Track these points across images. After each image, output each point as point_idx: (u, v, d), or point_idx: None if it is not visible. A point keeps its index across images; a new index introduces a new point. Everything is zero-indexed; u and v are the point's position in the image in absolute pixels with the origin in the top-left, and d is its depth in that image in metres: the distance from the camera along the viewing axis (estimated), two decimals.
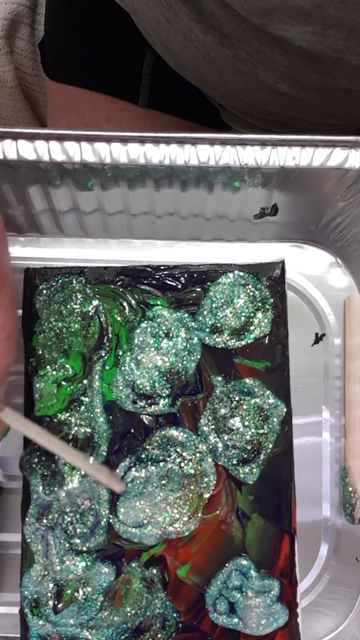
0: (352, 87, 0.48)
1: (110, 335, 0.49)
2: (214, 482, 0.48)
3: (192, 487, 0.47)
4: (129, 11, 0.58)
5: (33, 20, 0.72)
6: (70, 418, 0.48)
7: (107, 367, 0.49)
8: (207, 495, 0.47)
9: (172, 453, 0.48)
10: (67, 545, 0.47)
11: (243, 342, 0.49)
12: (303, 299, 0.54)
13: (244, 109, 0.57)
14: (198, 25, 0.48)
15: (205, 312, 0.49)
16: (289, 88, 0.49)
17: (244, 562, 0.47)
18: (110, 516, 0.47)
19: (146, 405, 0.48)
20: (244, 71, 0.49)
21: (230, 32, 0.46)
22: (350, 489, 0.50)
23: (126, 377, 0.48)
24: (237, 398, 0.48)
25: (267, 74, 0.48)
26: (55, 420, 0.48)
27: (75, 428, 0.48)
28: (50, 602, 0.46)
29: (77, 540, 0.47)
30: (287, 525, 0.47)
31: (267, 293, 0.50)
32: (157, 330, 0.49)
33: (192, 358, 0.49)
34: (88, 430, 0.48)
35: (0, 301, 0.38)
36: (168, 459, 0.48)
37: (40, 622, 0.46)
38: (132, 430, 0.48)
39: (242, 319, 0.49)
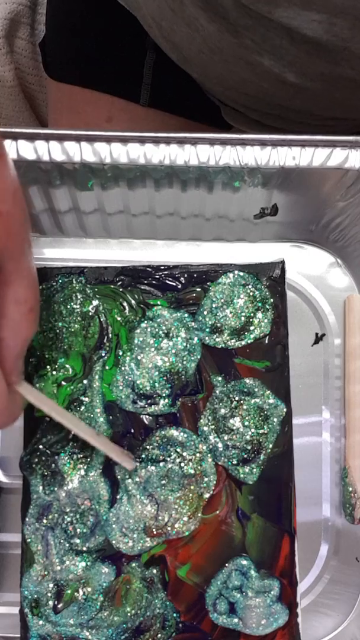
0: (357, 77, 0.48)
1: (110, 335, 0.49)
2: (214, 482, 0.48)
3: (192, 487, 0.47)
4: (130, 7, 0.58)
5: (33, 20, 0.72)
6: None
7: (107, 367, 0.49)
8: (207, 495, 0.48)
9: (172, 453, 0.48)
10: (67, 545, 0.47)
11: (243, 342, 0.49)
12: (303, 299, 0.53)
13: (248, 103, 0.57)
14: (204, 14, 0.48)
15: (205, 312, 0.49)
16: (295, 78, 0.49)
17: (244, 562, 0.47)
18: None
19: (146, 405, 0.48)
20: (250, 60, 0.49)
21: (236, 19, 0.46)
22: (350, 489, 0.50)
23: (126, 377, 0.48)
24: (237, 398, 0.48)
25: (273, 63, 0.48)
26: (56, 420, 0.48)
27: None
28: (50, 602, 0.46)
29: (77, 540, 0.47)
30: (287, 525, 0.47)
31: (267, 293, 0.50)
32: (157, 330, 0.49)
33: (192, 358, 0.49)
34: None
35: (24, 272, 0.38)
36: (168, 459, 0.48)
37: (40, 622, 0.46)
38: (132, 430, 0.48)
39: (242, 319, 0.49)
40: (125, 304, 0.50)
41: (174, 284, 0.50)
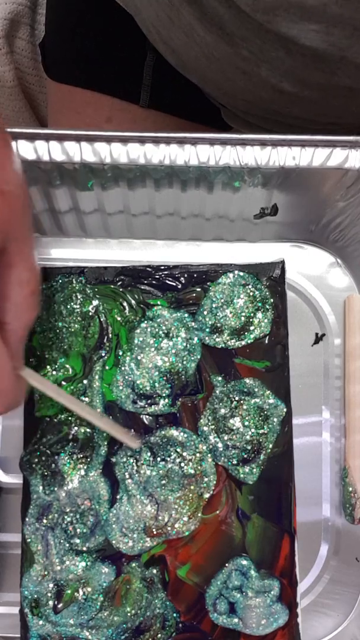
0: (355, 85, 0.48)
1: (110, 335, 0.49)
2: (214, 482, 0.48)
3: (192, 487, 0.47)
4: (130, 11, 0.58)
5: (33, 20, 0.72)
6: (70, 418, 0.48)
7: (107, 367, 0.49)
8: (207, 495, 0.47)
9: (172, 453, 0.48)
10: (67, 545, 0.47)
11: (243, 342, 0.49)
12: (303, 299, 0.53)
13: (246, 108, 0.57)
14: (200, 24, 0.48)
15: (205, 312, 0.49)
16: (292, 87, 0.49)
17: (244, 562, 0.47)
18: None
19: (146, 405, 0.48)
20: (247, 70, 0.49)
21: (233, 30, 0.46)
22: (350, 489, 0.50)
23: (126, 377, 0.48)
24: (237, 398, 0.48)
25: (269, 73, 0.48)
26: (56, 420, 0.48)
27: (75, 428, 0.48)
28: (50, 602, 0.46)
29: (77, 540, 0.47)
30: (287, 525, 0.47)
31: (267, 293, 0.50)
32: (157, 330, 0.49)
33: (192, 358, 0.49)
34: (88, 430, 0.48)
35: (26, 255, 0.38)
36: (168, 459, 0.48)
37: (40, 622, 0.46)
38: (132, 430, 0.48)
39: (242, 319, 0.49)
40: (125, 304, 0.50)
41: (174, 284, 0.50)
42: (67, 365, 0.49)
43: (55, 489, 0.47)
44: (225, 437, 0.48)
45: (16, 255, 0.37)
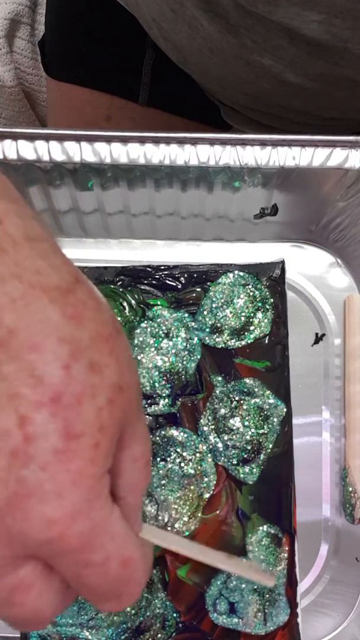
0: (357, 77, 0.48)
1: None
2: (214, 482, 0.48)
3: (192, 487, 0.47)
4: (130, 8, 0.58)
5: (33, 20, 0.72)
6: None
7: None
8: (207, 495, 0.47)
9: (172, 453, 0.48)
10: None
11: (243, 342, 0.49)
12: (303, 299, 0.53)
13: (247, 102, 0.57)
14: (204, 14, 0.48)
15: (205, 312, 0.49)
16: (295, 78, 0.49)
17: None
18: None
19: (146, 405, 0.48)
20: (250, 60, 0.49)
21: (237, 20, 0.46)
22: (350, 489, 0.50)
23: None
24: (237, 398, 0.48)
25: (273, 63, 0.48)
26: None
27: None
28: None
29: None
30: (287, 525, 0.47)
31: (267, 293, 0.50)
32: (157, 330, 0.49)
33: (192, 358, 0.49)
34: None
35: (137, 430, 0.35)
36: (168, 459, 0.48)
37: None
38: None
39: (242, 319, 0.49)
40: (125, 304, 0.50)
41: (174, 284, 0.50)
42: None
43: None
44: (225, 437, 0.48)
45: (130, 436, 0.35)
